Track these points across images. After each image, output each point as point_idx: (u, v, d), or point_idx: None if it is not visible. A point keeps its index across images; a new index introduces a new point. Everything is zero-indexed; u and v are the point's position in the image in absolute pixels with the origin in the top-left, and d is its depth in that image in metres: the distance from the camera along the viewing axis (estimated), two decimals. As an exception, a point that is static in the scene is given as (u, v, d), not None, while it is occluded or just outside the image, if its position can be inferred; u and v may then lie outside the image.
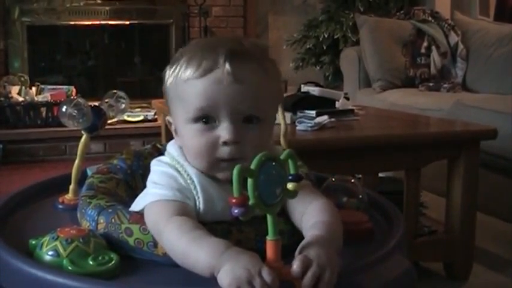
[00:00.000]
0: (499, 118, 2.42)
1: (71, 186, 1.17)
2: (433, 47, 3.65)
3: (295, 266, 0.73)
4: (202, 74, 0.87)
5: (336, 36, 4.26)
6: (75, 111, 1.14)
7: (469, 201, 1.97)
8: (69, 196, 1.16)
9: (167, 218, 0.84)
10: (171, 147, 0.97)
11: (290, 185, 0.76)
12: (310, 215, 0.87)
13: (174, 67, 0.91)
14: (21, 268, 0.83)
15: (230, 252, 0.76)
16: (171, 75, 0.92)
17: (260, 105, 0.88)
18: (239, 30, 4.85)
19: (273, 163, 0.74)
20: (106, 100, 1.23)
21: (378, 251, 0.89)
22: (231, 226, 0.86)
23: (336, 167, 1.76)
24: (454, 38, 3.66)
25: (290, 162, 0.77)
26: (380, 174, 2.32)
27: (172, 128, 0.97)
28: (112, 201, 0.97)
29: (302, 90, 2.29)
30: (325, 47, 4.33)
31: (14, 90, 4.11)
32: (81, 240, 0.86)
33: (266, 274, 0.71)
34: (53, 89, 4.26)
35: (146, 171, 1.07)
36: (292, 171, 0.76)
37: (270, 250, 0.75)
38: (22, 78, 4.23)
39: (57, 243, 0.85)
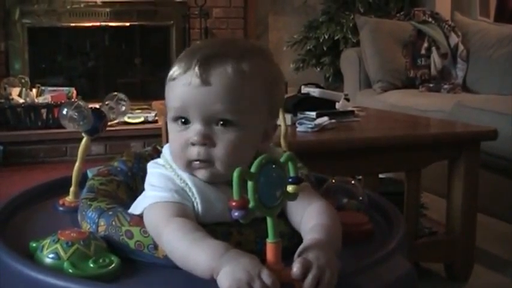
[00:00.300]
0: (499, 119, 2.42)
1: (72, 189, 1.17)
2: (434, 48, 3.65)
3: (295, 268, 0.73)
4: (178, 75, 0.89)
5: (336, 38, 4.26)
6: (76, 113, 1.14)
7: (470, 202, 1.97)
8: (69, 198, 1.16)
9: (166, 220, 0.85)
10: (166, 149, 0.97)
11: (290, 188, 0.76)
12: (308, 217, 0.88)
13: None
14: (22, 271, 0.83)
15: (230, 254, 0.76)
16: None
17: (233, 108, 0.87)
18: (239, 31, 4.85)
19: (273, 165, 0.75)
20: (106, 102, 1.23)
21: (378, 252, 0.89)
22: (231, 228, 0.86)
23: (336, 168, 1.76)
24: (454, 39, 3.66)
25: (290, 164, 0.77)
26: (380, 176, 2.31)
27: None
28: (112, 203, 0.97)
29: (302, 91, 2.29)
30: (325, 48, 4.34)
31: (15, 91, 4.11)
32: (81, 242, 0.86)
33: (266, 276, 0.71)
34: (54, 90, 4.26)
35: (147, 173, 1.08)
36: (292, 174, 0.77)
37: (270, 252, 0.75)
38: (23, 80, 4.23)
39: (58, 245, 0.85)
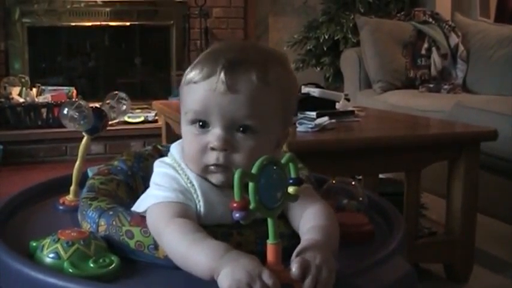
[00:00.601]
0: (499, 119, 2.42)
1: (72, 188, 1.17)
2: (434, 49, 3.65)
3: (294, 268, 0.73)
4: (200, 80, 0.88)
5: (336, 38, 4.26)
6: (77, 113, 1.15)
7: (469, 202, 1.97)
8: (69, 197, 1.16)
9: (168, 220, 0.85)
10: (174, 148, 0.97)
11: (291, 189, 0.76)
12: (306, 219, 0.88)
13: (188, 68, 0.93)
14: (22, 270, 0.83)
15: (230, 255, 0.76)
16: (184, 76, 0.93)
17: (256, 115, 0.87)
18: (239, 31, 4.85)
19: (274, 167, 0.75)
20: (107, 101, 1.23)
21: (378, 253, 0.89)
22: (232, 229, 0.86)
23: (336, 168, 1.76)
24: (454, 39, 3.66)
25: (291, 165, 0.77)
26: (380, 176, 2.32)
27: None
28: (113, 203, 0.97)
29: (302, 91, 2.29)
30: (325, 48, 4.33)
31: (15, 91, 4.12)
32: (82, 242, 0.86)
33: (267, 277, 0.72)
34: (54, 90, 4.26)
35: (147, 172, 1.08)
36: (293, 175, 0.77)
37: (270, 253, 0.75)
38: (23, 79, 4.23)
39: (58, 245, 0.85)
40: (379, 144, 1.88)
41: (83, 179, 1.14)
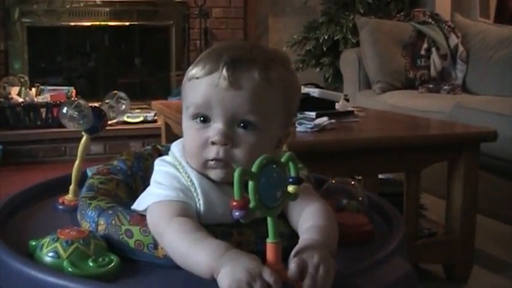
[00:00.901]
0: (499, 120, 2.42)
1: (71, 187, 1.17)
2: (433, 49, 3.66)
3: (291, 269, 0.73)
4: (203, 75, 0.89)
5: (336, 38, 4.26)
6: (76, 112, 1.14)
7: (469, 203, 1.97)
8: (69, 197, 1.16)
9: (169, 219, 0.85)
10: (175, 147, 0.97)
11: (291, 188, 0.76)
12: (305, 218, 0.88)
13: (190, 67, 0.94)
14: (21, 270, 0.83)
15: (230, 254, 0.76)
16: (186, 74, 0.94)
17: (257, 112, 0.88)
18: (239, 31, 4.85)
19: (274, 166, 0.75)
20: (107, 101, 1.23)
21: (378, 254, 0.89)
22: (232, 228, 0.86)
23: (335, 169, 1.76)
24: (454, 39, 3.66)
25: (291, 164, 0.77)
26: (380, 176, 2.31)
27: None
28: (112, 202, 0.97)
29: (302, 91, 2.28)
30: (325, 49, 4.33)
31: (14, 91, 4.11)
32: (81, 241, 0.86)
33: (268, 275, 0.72)
34: (53, 90, 4.26)
35: (146, 172, 1.08)
36: (292, 174, 0.77)
37: (270, 253, 0.75)
38: (22, 79, 4.23)
39: (58, 244, 0.85)
40: (379, 145, 1.88)
41: (83, 178, 1.14)
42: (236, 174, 0.71)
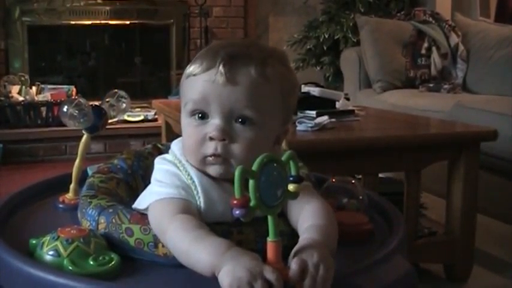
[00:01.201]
0: (499, 119, 2.42)
1: (72, 186, 1.17)
2: (434, 48, 3.65)
3: (292, 269, 0.73)
4: (200, 72, 0.90)
5: (336, 37, 4.26)
6: (76, 111, 1.14)
7: (469, 202, 1.97)
8: (69, 196, 1.16)
9: (171, 217, 0.85)
10: (175, 145, 0.97)
11: (291, 186, 0.76)
12: (305, 217, 0.88)
13: (188, 65, 0.94)
14: (22, 268, 0.83)
15: (232, 253, 0.76)
16: (184, 72, 0.95)
17: (254, 107, 0.89)
18: (239, 31, 4.85)
19: (274, 164, 0.75)
20: (107, 100, 1.23)
21: (378, 253, 0.89)
22: (232, 227, 0.86)
23: (335, 168, 1.76)
24: (454, 39, 3.66)
25: (291, 163, 0.77)
26: (380, 175, 2.32)
27: None
28: (112, 201, 0.97)
29: (302, 90, 2.29)
30: (325, 48, 4.33)
31: (14, 89, 4.11)
32: (81, 240, 0.86)
33: (269, 273, 0.71)
34: (53, 88, 4.25)
35: (146, 171, 1.08)
36: (293, 172, 0.77)
37: (270, 251, 0.75)
38: (22, 78, 4.23)
39: (58, 243, 0.85)
40: (379, 144, 1.88)
41: (83, 177, 1.14)
42: (237, 173, 0.71)
